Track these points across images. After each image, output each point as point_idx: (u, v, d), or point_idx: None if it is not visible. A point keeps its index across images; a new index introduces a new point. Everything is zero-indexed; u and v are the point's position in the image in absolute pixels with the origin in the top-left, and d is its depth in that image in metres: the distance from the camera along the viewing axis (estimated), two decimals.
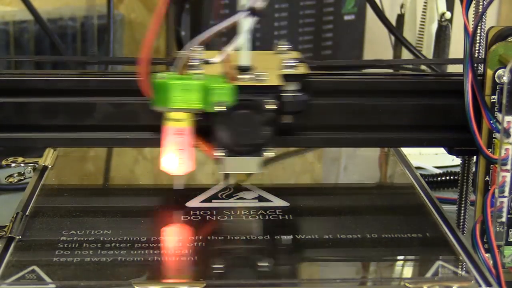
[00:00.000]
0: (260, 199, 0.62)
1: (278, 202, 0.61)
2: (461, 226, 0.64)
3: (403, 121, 0.62)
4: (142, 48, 0.55)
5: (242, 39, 0.57)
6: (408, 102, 0.62)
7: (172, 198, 0.62)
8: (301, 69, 0.59)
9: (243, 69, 0.57)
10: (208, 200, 0.62)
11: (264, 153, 0.58)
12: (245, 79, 0.57)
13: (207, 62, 0.59)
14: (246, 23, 0.56)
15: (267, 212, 0.60)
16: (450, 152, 0.63)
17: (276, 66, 0.59)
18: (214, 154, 0.57)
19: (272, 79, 0.57)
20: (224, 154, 0.57)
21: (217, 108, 0.56)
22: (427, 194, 0.63)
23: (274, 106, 0.56)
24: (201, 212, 0.59)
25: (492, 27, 0.58)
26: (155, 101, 0.56)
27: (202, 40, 0.55)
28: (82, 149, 0.70)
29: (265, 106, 0.56)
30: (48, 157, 0.67)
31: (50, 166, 0.66)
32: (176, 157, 0.57)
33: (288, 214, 0.59)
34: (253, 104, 0.56)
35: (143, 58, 0.55)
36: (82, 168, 0.68)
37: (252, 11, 0.54)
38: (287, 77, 0.58)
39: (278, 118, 0.58)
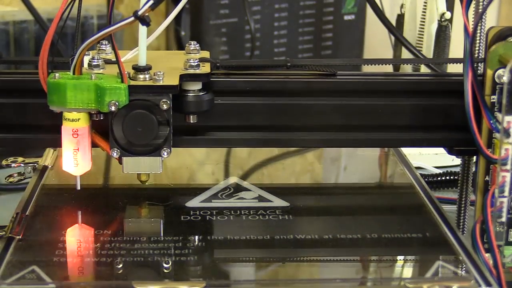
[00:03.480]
0: (260, 199, 0.62)
1: (278, 202, 0.61)
2: (461, 226, 0.64)
3: (403, 121, 0.62)
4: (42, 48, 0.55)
5: (141, 41, 0.57)
6: (407, 103, 0.62)
7: (172, 198, 0.62)
8: (204, 69, 0.59)
9: (140, 69, 0.57)
10: (208, 200, 0.62)
11: (164, 153, 0.57)
12: (141, 79, 0.57)
13: (108, 62, 0.59)
14: (142, 27, 0.56)
15: (267, 212, 0.60)
16: (450, 152, 0.63)
17: (180, 66, 0.59)
18: (111, 154, 0.57)
19: (169, 79, 0.57)
20: (119, 153, 0.57)
21: (110, 108, 0.56)
22: (427, 194, 0.63)
23: (168, 106, 0.56)
24: (201, 212, 0.59)
25: (492, 27, 0.58)
26: (51, 101, 0.56)
27: (88, 43, 0.55)
28: None
29: (160, 106, 0.56)
30: (48, 157, 0.67)
31: (50, 166, 0.66)
32: (72, 157, 0.57)
33: (288, 214, 0.59)
34: (147, 104, 0.56)
35: (42, 57, 0.55)
36: None
37: (138, 18, 0.53)
38: (190, 77, 0.58)
39: (186, 118, 0.59)
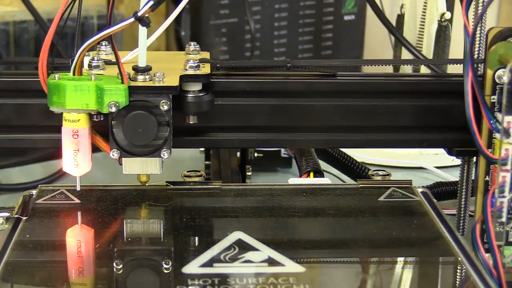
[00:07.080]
0: (270, 262, 0.52)
1: (291, 266, 0.51)
2: (461, 229, 0.64)
3: (403, 122, 0.62)
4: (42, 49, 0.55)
5: (141, 41, 0.57)
6: (408, 103, 0.62)
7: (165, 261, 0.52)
8: (204, 70, 0.59)
9: (140, 70, 0.57)
10: (209, 264, 0.51)
11: (164, 154, 0.57)
12: (141, 80, 0.57)
13: (108, 63, 0.59)
14: (142, 27, 0.56)
15: (279, 280, 0.50)
16: (450, 153, 0.63)
17: (180, 66, 0.59)
18: (110, 154, 0.57)
19: (169, 80, 0.57)
20: (120, 154, 0.57)
21: (110, 109, 0.55)
22: (429, 199, 0.62)
23: (168, 107, 0.56)
24: (201, 281, 0.49)
25: (492, 28, 0.58)
26: (51, 102, 0.56)
27: (89, 44, 0.55)
28: None
29: (160, 106, 0.56)
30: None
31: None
32: (72, 158, 0.57)
33: (304, 283, 0.49)
34: (147, 105, 0.56)
35: (42, 59, 0.55)
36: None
37: (138, 19, 0.54)
38: (190, 78, 0.58)
39: (186, 119, 0.59)
